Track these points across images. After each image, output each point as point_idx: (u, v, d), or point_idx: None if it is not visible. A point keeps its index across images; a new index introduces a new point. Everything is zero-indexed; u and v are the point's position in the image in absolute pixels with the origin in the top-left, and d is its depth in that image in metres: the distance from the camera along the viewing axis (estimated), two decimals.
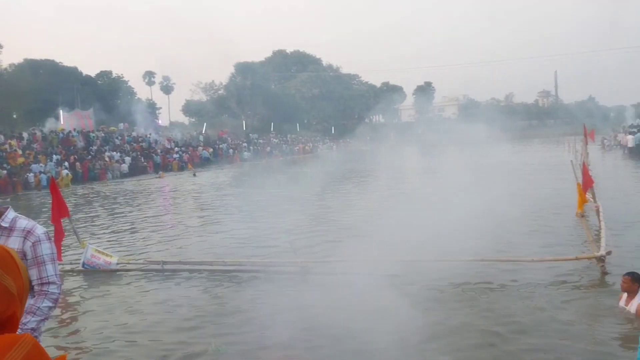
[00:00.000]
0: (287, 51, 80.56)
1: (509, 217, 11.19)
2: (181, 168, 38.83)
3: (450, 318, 5.99)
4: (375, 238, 8.84)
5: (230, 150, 48.43)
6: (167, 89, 75.69)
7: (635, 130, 31.38)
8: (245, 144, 52.09)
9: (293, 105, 65.64)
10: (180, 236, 12.15)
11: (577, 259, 7.93)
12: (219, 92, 69.54)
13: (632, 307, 5.70)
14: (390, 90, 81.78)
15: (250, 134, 56.99)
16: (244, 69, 65.59)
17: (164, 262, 8.91)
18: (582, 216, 10.84)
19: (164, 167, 38.19)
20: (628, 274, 5.81)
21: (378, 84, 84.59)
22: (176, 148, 42.82)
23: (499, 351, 5.16)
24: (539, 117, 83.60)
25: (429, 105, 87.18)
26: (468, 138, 39.18)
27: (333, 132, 66.71)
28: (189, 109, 68.11)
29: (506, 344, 5.32)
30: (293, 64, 78.21)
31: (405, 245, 8.83)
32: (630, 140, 29.53)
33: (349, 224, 12.11)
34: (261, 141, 55.67)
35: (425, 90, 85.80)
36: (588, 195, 11.62)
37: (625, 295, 5.87)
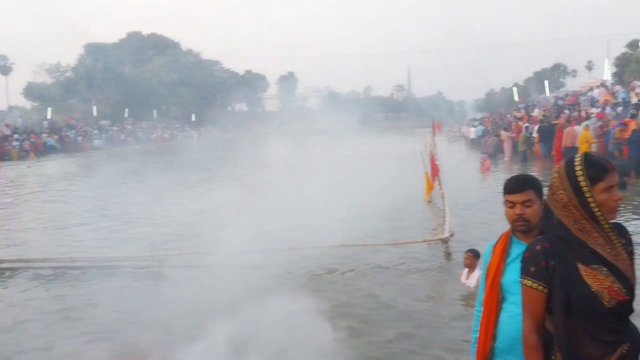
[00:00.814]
0: (144, 34, 76.38)
1: (366, 205, 11.62)
2: (22, 157, 35.08)
3: (309, 301, 6.02)
4: (237, 229, 8.66)
5: (79, 138, 44.74)
6: (4, 69, 67.92)
7: (476, 123, 34.54)
8: (96, 131, 48.39)
9: (150, 91, 62.25)
10: (22, 231, 10.96)
11: (424, 241, 8.48)
12: (66, 74, 63.78)
13: (472, 281, 6.27)
14: (253, 79, 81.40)
15: (102, 121, 53.07)
16: (94, 51, 60.78)
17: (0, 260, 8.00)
18: (430, 202, 11.62)
19: (1, 155, 34.24)
20: (469, 250, 6.38)
21: (241, 72, 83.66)
22: (15, 135, 38.55)
23: (356, 331, 5.37)
24: (394, 110, 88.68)
25: (292, 95, 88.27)
26: (330, 128, 40.35)
27: (193, 119, 64.63)
28: (31, 92, 61.63)
29: (364, 323, 5.59)
30: (150, 47, 74.25)
31: (265, 235, 8.74)
32: (472, 132, 32.45)
33: (207, 216, 11.74)
34: (115, 128, 52.16)
35: (288, 80, 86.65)
36: (435, 183, 12.47)
37: (466, 270, 6.45)
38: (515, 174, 2.67)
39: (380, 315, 5.89)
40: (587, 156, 2.11)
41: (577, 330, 2.05)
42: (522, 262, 2.23)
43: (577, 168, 2.07)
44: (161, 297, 6.57)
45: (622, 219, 9.86)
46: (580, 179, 2.05)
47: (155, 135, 54.56)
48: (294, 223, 9.62)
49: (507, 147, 23.60)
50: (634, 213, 10.71)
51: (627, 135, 14.74)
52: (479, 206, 11.67)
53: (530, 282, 2.13)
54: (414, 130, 34.05)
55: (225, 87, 76.06)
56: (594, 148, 16.80)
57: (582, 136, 16.99)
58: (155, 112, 61.68)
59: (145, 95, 60.63)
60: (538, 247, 2.13)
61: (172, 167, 23.74)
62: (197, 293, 6.39)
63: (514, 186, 2.53)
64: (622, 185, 12.76)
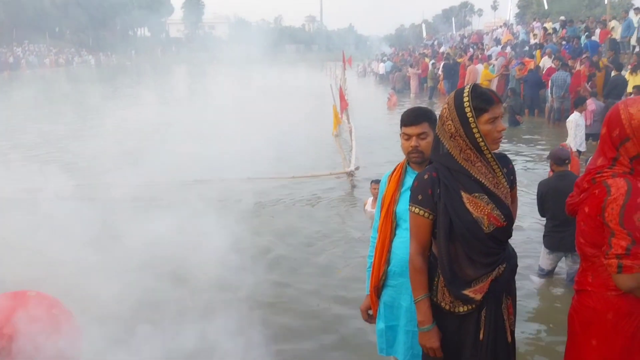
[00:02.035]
0: None
1: (276, 139, 11.57)
2: None
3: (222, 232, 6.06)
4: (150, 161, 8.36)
5: None
6: None
7: (385, 58, 34.90)
8: None
9: (41, 12, 56.58)
10: None
11: (330, 174, 8.66)
12: None
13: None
14: (157, 2, 76.19)
15: None
16: None
17: None
18: (337, 136, 11.79)
19: None
20: (374, 181, 6.63)
21: None
22: None
23: (274, 255, 5.66)
24: (305, 42, 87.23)
25: (199, 21, 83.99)
26: (238, 59, 39.09)
27: (91, 44, 59.89)
28: None
29: (278, 248, 5.91)
30: None
31: (172, 167, 8.52)
32: (381, 68, 32.82)
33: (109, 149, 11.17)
34: (2, 50, 47.33)
35: (194, 4, 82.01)
36: (343, 117, 12.62)
37: (371, 199, 6.76)
38: (412, 107, 2.73)
39: (287, 243, 6.08)
40: (474, 88, 2.19)
41: (459, 254, 2.20)
42: (410, 190, 2.34)
43: (465, 99, 2.15)
44: None
45: (511, 153, 10.60)
46: (467, 109, 2.13)
47: (49, 60, 50.21)
48: (200, 156, 9.42)
49: (413, 83, 24.19)
50: (523, 148, 11.47)
51: (524, 74, 15.57)
52: (384, 140, 12.00)
53: (417, 209, 2.24)
54: (324, 64, 33.78)
55: (126, 10, 70.59)
56: (493, 85, 17.65)
57: (483, 74, 17.77)
58: (47, 35, 56.38)
59: (36, 16, 54.99)
60: (426, 177, 2.23)
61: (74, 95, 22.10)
62: None
63: (409, 119, 2.59)
64: (515, 123, 13.63)
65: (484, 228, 2.14)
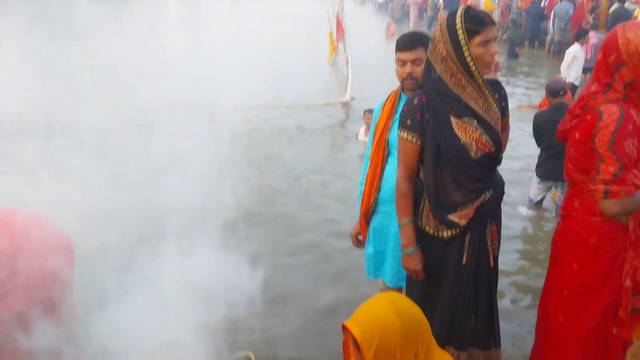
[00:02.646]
0: None
1: (270, 67, 11.33)
2: None
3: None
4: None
5: None
6: None
7: None
8: None
9: None
10: None
11: (326, 104, 8.59)
12: None
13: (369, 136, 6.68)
14: None
15: None
16: None
17: None
18: (333, 65, 11.58)
19: None
20: (368, 110, 6.60)
21: None
22: None
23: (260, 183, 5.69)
24: None
25: None
26: None
27: None
28: None
29: (266, 176, 5.96)
30: None
31: (165, 94, 8.41)
32: None
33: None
34: None
35: None
36: (339, 46, 12.33)
37: (363, 128, 6.77)
38: (408, 32, 2.66)
39: (275, 171, 6.15)
40: (467, 9, 2.12)
41: (445, 179, 2.20)
42: (400, 115, 2.31)
43: (457, 21, 2.08)
44: None
45: (509, 85, 10.49)
46: (459, 31, 2.07)
47: None
48: (193, 83, 9.27)
49: (413, 12, 23.48)
50: (520, 79, 11.35)
51: (527, 5, 15.15)
52: (381, 70, 11.78)
53: (406, 134, 2.23)
54: None
55: None
56: (495, 17, 17.19)
57: (484, 5, 17.24)
58: None
59: None
60: (415, 101, 2.20)
61: None
62: None
63: (405, 43, 2.53)
64: (515, 56, 13.40)
65: (472, 154, 2.14)
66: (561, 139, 2.15)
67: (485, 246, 2.27)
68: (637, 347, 2.62)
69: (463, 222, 2.19)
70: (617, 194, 1.85)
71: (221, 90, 8.99)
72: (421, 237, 2.31)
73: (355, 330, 1.68)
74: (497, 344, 2.43)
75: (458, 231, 2.22)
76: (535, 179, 5.01)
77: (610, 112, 1.88)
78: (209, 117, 7.77)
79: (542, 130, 4.75)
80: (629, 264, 1.94)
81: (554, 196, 5.02)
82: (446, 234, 2.25)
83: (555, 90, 4.82)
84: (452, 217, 2.21)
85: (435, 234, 2.27)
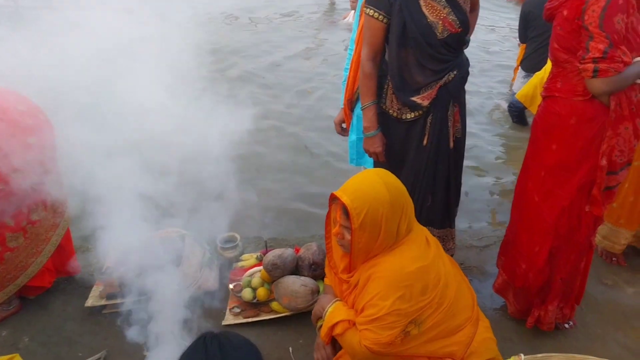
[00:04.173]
0: None
1: None
2: None
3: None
4: None
5: None
6: None
7: None
8: None
9: None
10: None
11: None
12: None
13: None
14: None
15: None
16: None
17: None
18: None
19: None
20: None
21: None
22: None
23: (240, 70, 5.33)
24: None
25: None
26: None
27: None
28: None
29: (247, 64, 5.53)
30: None
31: None
32: None
33: None
34: None
35: None
36: None
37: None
38: None
39: (256, 61, 5.99)
40: None
41: (409, 60, 2.16)
42: None
43: None
44: None
45: None
46: None
47: None
48: None
49: None
50: None
51: None
52: None
53: (372, 11, 2.15)
54: None
55: None
56: None
57: None
58: None
59: None
60: None
61: None
62: None
63: None
64: None
65: (438, 33, 2.09)
66: (548, 18, 2.09)
67: (446, 128, 2.28)
68: (607, 228, 2.76)
69: (425, 102, 2.19)
70: (606, 71, 1.83)
71: None
72: (385, 120, 2.31)
73: (346, 199, 1.75)
74: (452, 223, 2.53)
75: (421, 112, 2.22)
76: (520, 73, 4.94)
77: None
78: (185, 2, 7.51)
79: (533, 16, 4.59)
80: (606, 144, 1.96)
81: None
82: (409, 115, 2.25)
83: None
84: (415, 99, 2.20)
85: (399, 116, 2.28)
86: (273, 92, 5.43)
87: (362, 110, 2.31)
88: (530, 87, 4.21)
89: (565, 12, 1.92)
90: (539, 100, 4.21)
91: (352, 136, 2.83)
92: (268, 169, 4.04)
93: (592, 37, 1.82)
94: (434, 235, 2.45)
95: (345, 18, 6.82)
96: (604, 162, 1.98)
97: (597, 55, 1.82)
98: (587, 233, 2.16)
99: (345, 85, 2.79)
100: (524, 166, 2.27)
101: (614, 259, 2.87)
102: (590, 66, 1.84)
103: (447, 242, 2.56)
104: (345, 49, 6.26)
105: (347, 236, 1.80)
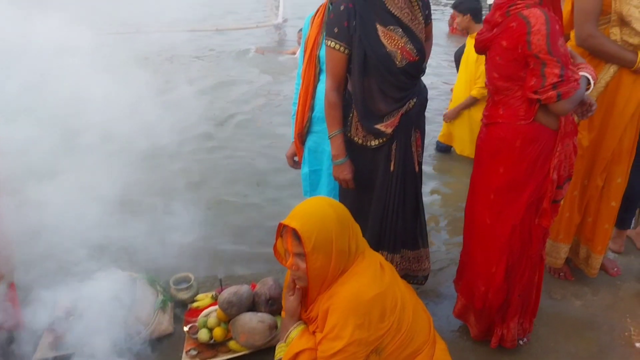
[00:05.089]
0: None
1: None
2: None
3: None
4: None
5: None
6: None
7: None
8: None
9: None
10: None
11: (257, 27, 8.34)
12: None
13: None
14: None
15: None
16: None
17: None
18: None
19: None
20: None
21: None
22: None
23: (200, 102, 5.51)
24: None
25: None
26: None
27: None
28: None
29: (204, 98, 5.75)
30: None
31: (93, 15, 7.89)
32: None
33: None
34: None
35: None
36: None
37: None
38: None
39: (213, 95, 6.02)
40: None
41: (372, 88, 2.23)
42: (326, 23, 2.28)
43: None
44: None
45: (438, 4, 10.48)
46: None
47: None
48: (116, 8, 8.72)
49: None
50: None
51: None
52: None
53: (333, 43, 2.21)
54: None
55: None
56: None
57: None
58: None
59: None
60: (342, 8, 2.17)
61: None
62: None
63: None
64: None
65: (397, 62, 2.16)
66: (480, 50, 2.20)
67: (410, 153, 2.35)
68: (549, 244, 2.87)
69: (389, 130, 2.25)
70: (567, 92, 1.91)
71: (145, 14, 8.54)
72: (351, 148, 2.36)
73: (295, 224, 1.77)
74: (424, 243, 2.58)
75: (385, 139, 2.28)
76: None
77: (536, 16, 1.90)
78: (137, 42, 7.45)
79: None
80: (556, 158, 2.05)
81: None
82: (374, 142, 2.31)
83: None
84: (379, 127, 2.26)
85: (364, 144, 2.33)
86: (224, 127, 5.44)
87: (329, 139, 2.35)
88: (445, 127, 4.69)
89: (504, 43, 2.01)
90: (457, 137, 4.56)
91: (305, 169, 2.84)
92: (219, 203, 4.00)
93: (544, 64, 1.91)
94: (409, 257, 2.54)
95: (296, 54, 6.95)
96: (555, 176, 2.07)
97: (555, 80, 1.91)
98: (538, 247, 2.24)
99: (295, 119, 2.81)
100: (470, 189, 2.34)
101: (561, 274, 2.98)
102: (553, 93, 1.92)
103: (423, 262, 2.60)
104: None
105: (302, 265, 1.81)
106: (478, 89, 4.33)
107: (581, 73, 2.02)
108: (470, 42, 4.39)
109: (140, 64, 6.90)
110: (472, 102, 4.43)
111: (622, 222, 3.08)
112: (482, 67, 4.10)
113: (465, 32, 4.54)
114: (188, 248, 3.26)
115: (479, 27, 4.28)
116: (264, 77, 6.82)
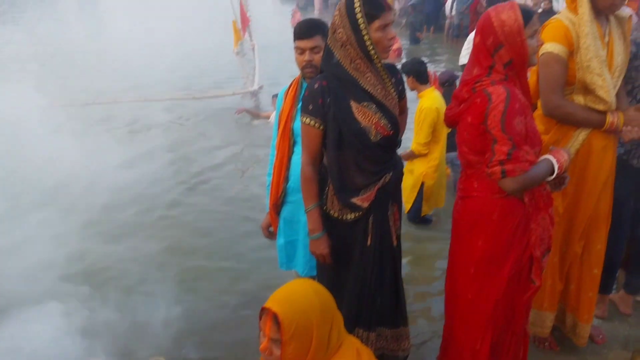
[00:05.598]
0: None
1: (173, 57, 10.99)
2: None
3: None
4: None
5: None
6: None
7: None
8: None
9: None
10: None
11: (234, 94, 8.44)
12: None
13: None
14: None
15: None
16: None
17: None
18: (239, 53, 11.38)
19: None
20: (276, 95, 6.60)
21: None
22: None
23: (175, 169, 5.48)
24: None
25: None
26: None
27: None
28: None
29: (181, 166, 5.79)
30: None
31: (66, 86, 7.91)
32: None
33: None
34: None
35: None
36: (245, 34, 12.11)
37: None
38: (305, 19, 2.66)
39: (190, 161, 6.00)
40: None
41: (348, 163, 2.22)
42: (301, 100, 2.29)
43: (356, 5, 2.08)
44: None
45: None
46: (358, 16, 2.07)
47: None
48: (93, 77, 8.82)
49: (317, 0, 23.61)
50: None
51: None
52: (289, 58, 11.74)
53: (308, 119, 2.22)
54: None
55: None
56: (396, 5, 17.65)
57: None
58: None
59: None
60: (316, 86, 2.19)
61: None
62: None
63: (302, 32, 2.49)
64: (416, 41, 13.81)
65: (372, 137, 2.17)
66: (450, 124, 2.22)
67: (387, 226, 2.32)
68: (533, 314, 2.81)
69: (365, 204, 2.23)
70: (513, 171, 1.92)
71: (123, 84, 8.64)
72: (327, 221, 2.32)
73: (277, 308, 1.69)
74: (404, 322, 2.50)
75: (361, 213, 2.25)
76: None
77: (497, 93, 1.95)
78: (114, 112, 7.47)
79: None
80: (534, 236, 2.05)
81: (447, 171, 5.22)
82: (350, 216, 2.28)
83: (441, 81, 5.20)
84: (355, 200, 2.24)
85: (340, 217, 2.29)
86: (198, 193, 5.38)
87: (306, 213, 2.32)
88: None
89: (469, 118, 2.05)
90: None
91: (280, 240, 2.79)
92: (193, 277, 3.88)
93: (496, 140, 1.94)
94: (387, 336, 2.44)
95: (270, 118, 7.01)
96: (537, 252, 2.06)
97: (502, 157, 1.93)
98: (522, 321, 2.19)
99: (270, 189, 2.79)
100: (450, 263, 2.30)
101: (546, 343, 2.90)
102: (498, 168, 1.95)
103: (402, 341, 2.50)
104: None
105: (276, 351, 1.71)
106: (416, 144, 4.36)
107: (546, 157, 2.04)
108: (420, 101, 4.45)
109: (114, 133, 6.93)
110: (410, 155, 4.44)
111: (605, 286, 3.05)
112: (425, 124, 4.25)
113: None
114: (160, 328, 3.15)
115: (425, 87, 4.43)
116: (239, 143, 6.84)
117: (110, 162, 5.62)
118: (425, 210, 4.57)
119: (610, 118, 2.43)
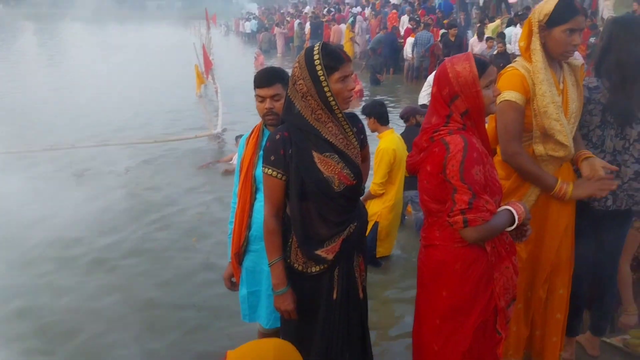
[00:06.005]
0: None
1: (135, 101, 10.90)
2: None
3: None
4: None
5: None
6: None
7: (251, 17, 34.07)
8: None
9: None
10: None
11: (196, 137, 8.37)
12: None
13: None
14: None
15: None
16: None
17: None
18: (201, 97, 11.39)
19: None
20: (239, 136, 6.56)
21: None
22: None
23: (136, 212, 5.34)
24: None
25: None
26: (93, 14, 36.18)
27: None
28: None
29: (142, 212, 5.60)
30: None
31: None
32: (247, 27, 32.07)
33: None
34: None
35: None
36: (208, 77, 12.17)
37: (236, 155, 6.81)
38: (265, 67, 2.65)
39: (152, 207, 5.86)
40: (324, 46, 2.13)
41: (311, 213, 2.17)
42: (263, 151, 2.26)
43: (315, 57, 2.08)
44: None
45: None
46: (318, 68, 2.07)
47: None
48: (52, 122, 8.65)
49: (280, 43, 24.00)
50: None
51: (383, 33, 16.14)
52: (252, 101, 11.80)
53: (270, 170, 2.18)
54: (188, 22, 32.28)
55: None
56: (356, 48, 18.12)
57: (346, 34, 18.15)
58: None
59: None
60: (277, 137, 2.17)
61: None
62: None
63: (262, 80, 2.49)
64: (376, 82, 14.11)
65: (335, 187, 2.14)
66: (411, 171, 2.21)
67: (353, 278, 2.27)
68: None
69: (330, 256, 2.18)
70: (474, 220, 1.91)
71: (82, 129, 8.49)
72: (291, 274, 2.25)
73: (231, 356, 1.64)
74: None
75: (326, 266, 2.20)
76: None
77: (455, 143, 1.95)
78: (74, 158, 7.30)
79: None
80: (498, 286, 2.02)
81: (409, 209, 5.24)
82: (315, 269, 2.22)
83: (401, 117, 5.29)
84: (320, 252, 2.18)
85: (304, 270, 2.23)
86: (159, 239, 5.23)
87: (269, 266, 2.25)
88: None
89: (428, 168, 2.04)
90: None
91: (243, 290, 2.71)
92: (152, 328, 3.72)
93: (455, 190, 1.94)
94: None
95: (232, 160, 6.93)
96: (502, 303, 2.03)
97: (463, 206, 1.92)
98: None
99: (231, 238, 2.72)
100: (416, 313, 2.25)
101: None
102: (460, 217, 1.93)
103: None
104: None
105: None
106: (373, 184, 4.36)
107: (506, 207, 2.04)
108: (380, 142, 4.47)
109: (68, 178, 6.75)
110: (367, 197, 4.41)
111: (571, 329, 3.04)
112: (382, 164, 4.26)
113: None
114: None
115: (385, 128, 4.47)
116: (200, 188, 6.73)
117: (65, 209, 5.44)
118: (381, 252, 4.53)
119: (560, 185, 2.46)
